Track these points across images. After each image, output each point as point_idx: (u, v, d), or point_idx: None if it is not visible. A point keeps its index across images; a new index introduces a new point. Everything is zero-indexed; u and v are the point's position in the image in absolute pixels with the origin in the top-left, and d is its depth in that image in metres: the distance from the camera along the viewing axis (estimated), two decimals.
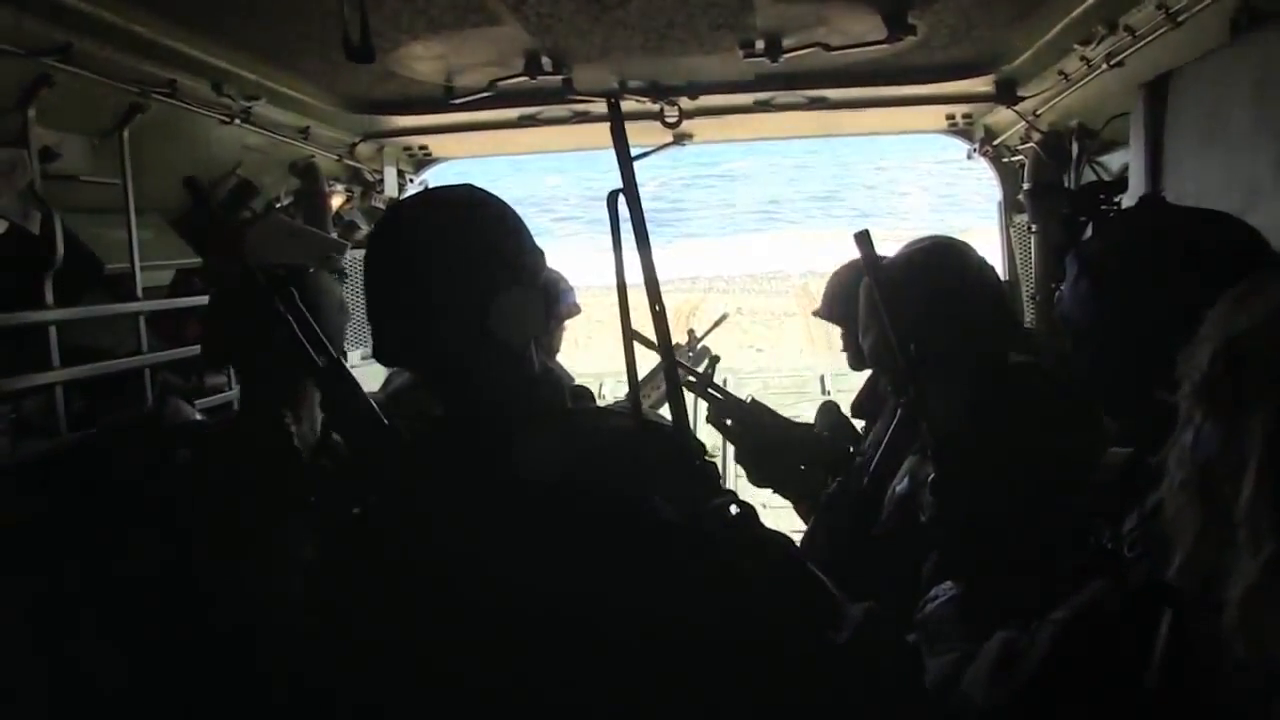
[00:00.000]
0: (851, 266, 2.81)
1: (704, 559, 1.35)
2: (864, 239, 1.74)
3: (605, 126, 1.37)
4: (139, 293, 2.57)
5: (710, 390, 2.80)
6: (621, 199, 1.32)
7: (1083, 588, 1.27)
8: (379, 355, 1.53)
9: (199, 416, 2.41)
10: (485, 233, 1.47)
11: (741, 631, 1.31)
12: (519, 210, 1.52)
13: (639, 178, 1.31)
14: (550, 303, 3.35)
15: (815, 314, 2.99)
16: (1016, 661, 1.30)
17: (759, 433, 2.74)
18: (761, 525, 1.44)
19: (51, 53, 2.09)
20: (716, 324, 3.51)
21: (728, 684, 1.28)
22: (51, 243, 2.17)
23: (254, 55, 2.63)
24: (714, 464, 1.44)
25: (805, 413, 2.95)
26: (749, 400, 2.84)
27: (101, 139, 2.50)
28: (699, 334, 3.45)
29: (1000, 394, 1.98)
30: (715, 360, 2.96)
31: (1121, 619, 1.16)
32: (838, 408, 2.91)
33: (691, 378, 2.81)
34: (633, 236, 1.35)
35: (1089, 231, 2.95)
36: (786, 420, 2.80)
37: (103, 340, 2.51)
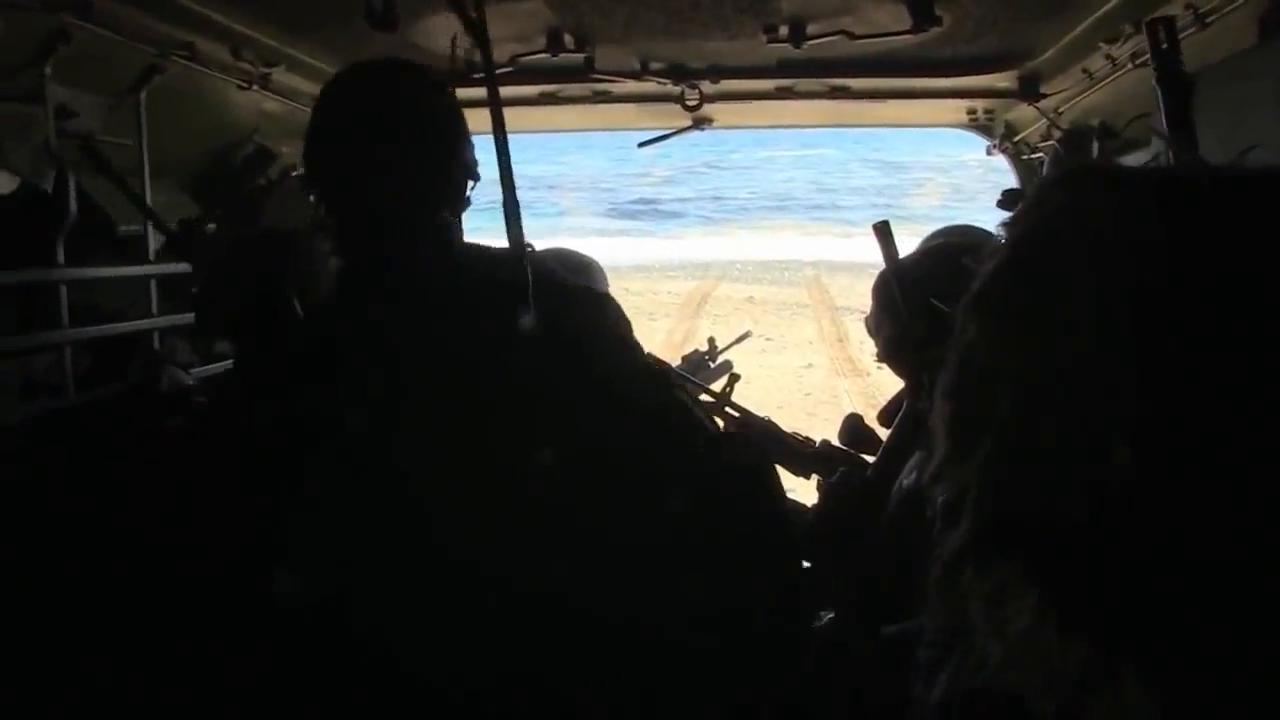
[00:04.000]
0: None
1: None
2: (883, 230, 1.75)
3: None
4: (151, 255, 2.57)
5: (728, 409, 2.80)
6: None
7: None
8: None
9: (191, 383, 2.40)
10: (430, 110, 1.79)
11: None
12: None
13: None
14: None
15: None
16: None
17: (775, 449, 2.73)
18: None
19: (70, 7, 2.07)
20: (738, 340, 3.48)
21: None
22: (64, 201, 2.16)
23: (274, 21, 2.62)
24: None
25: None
26: (766, 420, 2.83)
27: (118, 99, 2.48)
28: (719, 345, 3.42)
29: None
30: (735, 378, 2.95)
31: None
32: (861, 420, 2.88)
33: (709, 397, 2.80)
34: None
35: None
36: (804, 439, 2.78)
37: (112, 302, 2.50)
